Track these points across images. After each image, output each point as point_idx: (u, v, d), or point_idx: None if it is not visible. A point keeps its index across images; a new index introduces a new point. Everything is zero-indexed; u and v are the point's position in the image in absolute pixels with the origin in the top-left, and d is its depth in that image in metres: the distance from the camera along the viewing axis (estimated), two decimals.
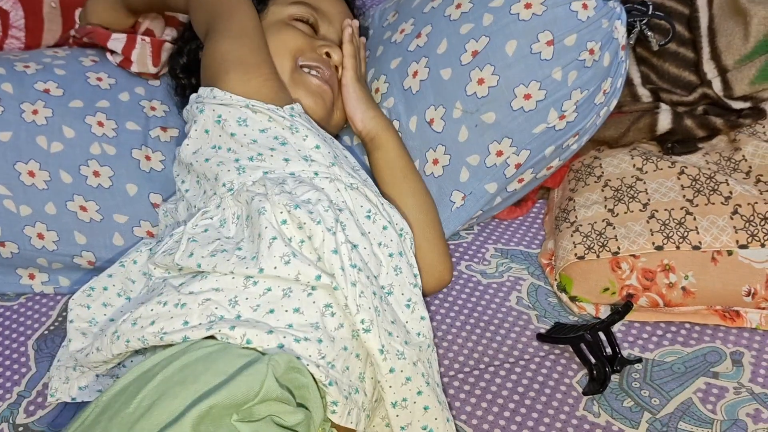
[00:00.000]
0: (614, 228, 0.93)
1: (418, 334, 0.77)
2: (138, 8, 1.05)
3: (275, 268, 0.71)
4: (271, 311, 0.71)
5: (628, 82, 1.04)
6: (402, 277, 0.78)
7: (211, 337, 0.69)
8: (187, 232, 0.77)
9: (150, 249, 0.85)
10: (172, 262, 0.76)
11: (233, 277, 0.73)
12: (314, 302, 0.72)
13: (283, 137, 0.82)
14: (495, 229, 1.06)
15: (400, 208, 0.86)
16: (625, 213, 0.93)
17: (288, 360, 0.66)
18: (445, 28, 0.95)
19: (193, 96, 0.87)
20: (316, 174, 0.79)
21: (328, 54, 0.95)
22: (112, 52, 1.05)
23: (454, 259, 1.00)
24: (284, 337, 0.69)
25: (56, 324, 0.95)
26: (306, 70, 0.92)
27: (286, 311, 0.71)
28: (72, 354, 0.79)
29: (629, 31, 0.96)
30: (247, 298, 0.71)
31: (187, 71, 0.99)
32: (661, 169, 0.96)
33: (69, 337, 0.81)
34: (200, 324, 0.69)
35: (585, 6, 0.90)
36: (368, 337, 0.71)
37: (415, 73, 0.96)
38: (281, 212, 0.74)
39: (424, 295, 0.85)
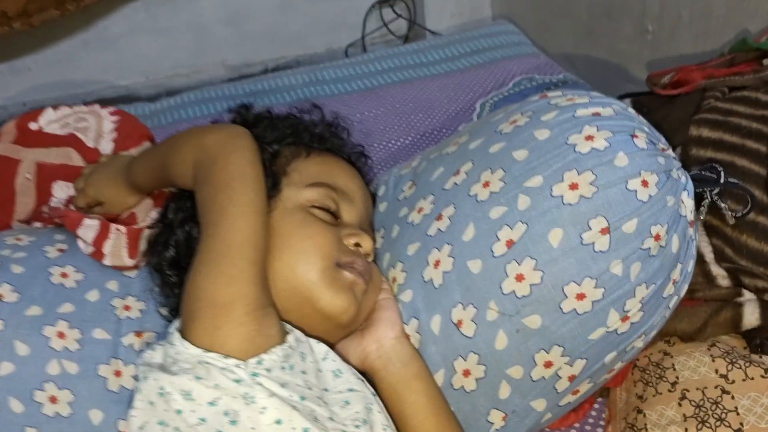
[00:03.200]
0: None
1: None
2: (143, 186, 0.91)
3: None
4: None
5: (699, 259, 0.86)
6: None
7: None
8: None
9: None
10: None
11: None
12: None
13: (234, 413, 0.65)
14: None
15: None
16: None
17: None
18: (471, 211, 0.78)
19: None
20: None
21: (357, 244, 0.80)
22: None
23: None
24: None
25: None
26: (341, 266, 0.77)
27: None
28: None
29: (698, 203, 0.79)
30: None
31: (176, 267, 0.83)
32: (752, 378, 0.77)
33: None
34: None
35: (645, 183, 0.73)
36: None
37: (437, 263, 0.79)
38: None
39: None
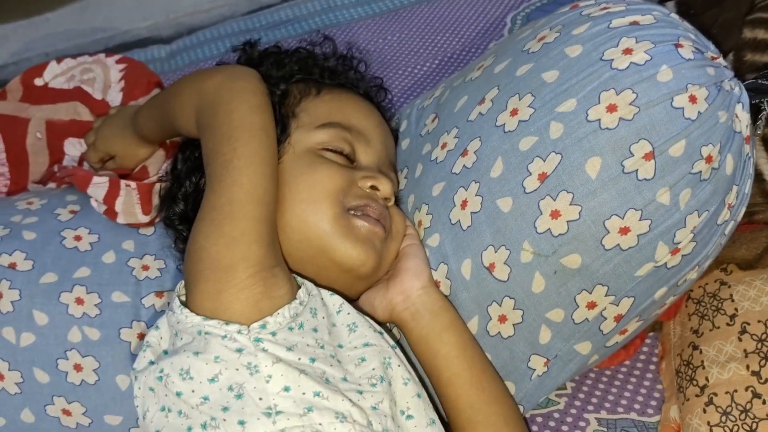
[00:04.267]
0: (765, 402, 0.66)
1: None
2: (150, 136, 0.86)
3: None
4: None
5: (757, 178, 0.78)
6: None
7: None
8: None
9: None
10: None
11: None
12: None
13: (238, 386, 0.60)
14: (594, 385, 0.80)
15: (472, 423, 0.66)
16: None
17: None
18: (498, 144, 0.71)
19: (176, 307, 0.66)
20: None
21: (373, 187, 0.74)
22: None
23: None
24: None
25: None
26: (352, 212, 0.72)
27: None
28: None
29: (755, 116, 0.70)
30: None
31: (186, 221, 0.78)
32: None
33: None
34: None
35: (693, 99, 0.65)
36: None
37: (464, 203, 0.72)
38: None
39: None
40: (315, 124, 0.75)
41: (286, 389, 0.60)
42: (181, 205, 0.78)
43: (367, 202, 0.72)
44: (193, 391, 0.60)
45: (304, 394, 0.60)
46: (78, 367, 0.78)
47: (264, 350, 0.60)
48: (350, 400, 0.61)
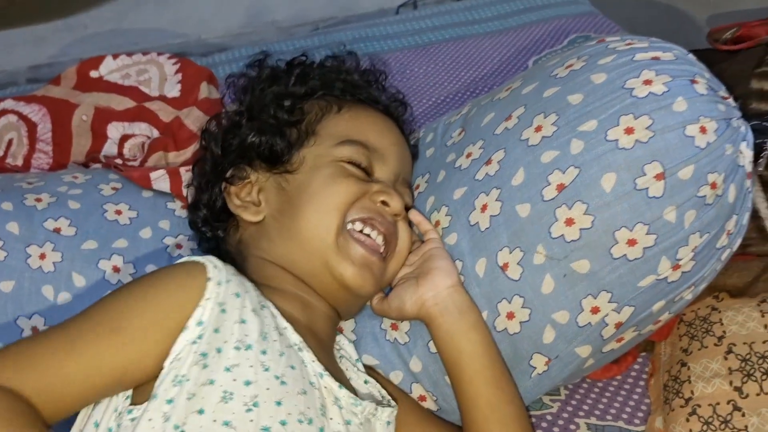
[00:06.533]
0: (744, 415, 0.72)
1: None
2: None
3: None
4: None
5: (753, 214, 0.84)
6: None
7: None
8: None
9: None
10: None
11: None
12: None
13: None
14: (587, 394, 0.85)
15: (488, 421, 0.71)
16: (758, 395, 0.73)
17: None
18: (521, 156, 0.77)
19: None
20: None
21: (384, 202, 0.77)
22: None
23: None
24: None
25: None
26: (357, 226, 0.75)
27: None
28: None
29: (757, 155, 0.77)
30: None
31: (208, 225, 0.84)
32: None
33: None
34: None
35: (703, 130, 0.71)
36: None
37: (485, 207, 0.78)
38: None
39: None
40: (335, 141, 0.79)
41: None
42: (204, 212, 0.83)
43: (373, 216, 0.76)
44: None
45: None
46: None
47: None
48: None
